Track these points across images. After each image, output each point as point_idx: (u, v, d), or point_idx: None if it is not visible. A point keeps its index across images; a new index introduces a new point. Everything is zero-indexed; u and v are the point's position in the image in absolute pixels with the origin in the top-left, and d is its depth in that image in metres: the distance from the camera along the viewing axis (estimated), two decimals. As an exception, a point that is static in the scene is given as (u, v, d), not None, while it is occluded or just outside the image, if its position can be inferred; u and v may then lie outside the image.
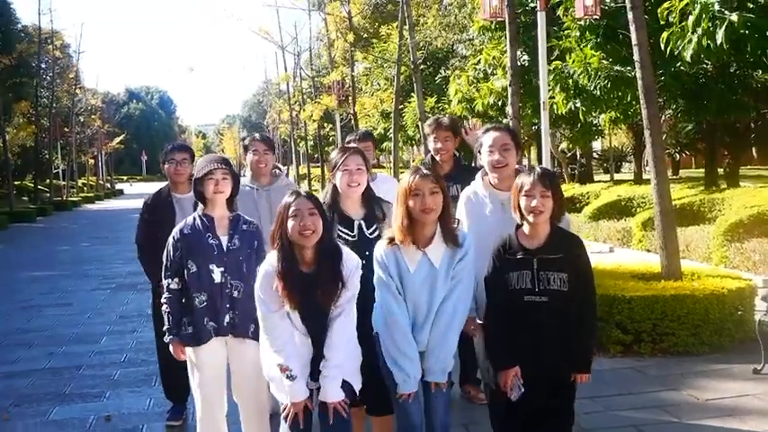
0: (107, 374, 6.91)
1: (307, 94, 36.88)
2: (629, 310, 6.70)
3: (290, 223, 3.54)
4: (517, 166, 4.27)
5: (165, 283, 4.14)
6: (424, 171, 3.63)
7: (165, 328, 4.14)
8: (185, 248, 4.10)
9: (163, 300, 4.15)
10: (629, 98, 13.86)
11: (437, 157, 5.57)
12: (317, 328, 3.61)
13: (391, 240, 3.67)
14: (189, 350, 4.17)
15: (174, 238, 4.15)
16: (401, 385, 3.65)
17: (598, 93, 13.65)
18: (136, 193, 53.42)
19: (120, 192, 58.46)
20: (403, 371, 3.64)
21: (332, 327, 3.58)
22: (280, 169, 5.72)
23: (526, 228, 3.66)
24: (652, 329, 6.68)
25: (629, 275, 7.64)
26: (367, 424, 4.27)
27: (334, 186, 4.14)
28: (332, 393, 3.56)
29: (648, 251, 12.47)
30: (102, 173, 59.78)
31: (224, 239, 4.12)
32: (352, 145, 5.09)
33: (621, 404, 5.46)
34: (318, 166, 40.47)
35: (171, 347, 4.17)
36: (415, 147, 37.75)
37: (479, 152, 4.30)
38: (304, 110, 31.60)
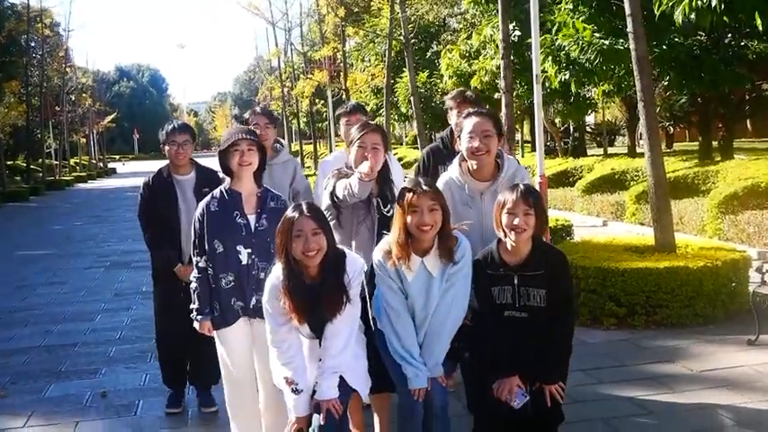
0: (102, 351, 6.92)
1: (298, 70, 36.68)
2: (623, 282, 6.72)
3: (294, 245, 3.46)
4: (501, 151, 4.17)
5: (195, 260, 4.08)
6: (423, 187, 3.59)
7: (193, 307, 4.09)
8: (212, 227, 4.01)
9: (192, 278, 4.10)
10: (622, 71, 13.83)
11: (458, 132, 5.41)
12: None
13: (388, 253, 3.66)
14: (215, 333, 4.11)
15: (200, 214, 4.07)
16: (413, 380, 3.64)
17: (590, 65, 13.61)
18: (128, 171, 53.27)
19: (113, 171, 58.20)
20: (413, 366, 3.64)
21: (329, 326, 3.54)
22: (281, 144, 5.64)
23: (508, 243, 3.64)
24: (645, 302, 6.70)
25: (622, 248, 7.65)
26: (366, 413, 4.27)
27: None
28: (325, 392, 3.51)
29: (642, 224, 12.48)
30: (95, 152, 59.43)
31: (252, 219, 4.03)
32: (356, 124, 5.09)
33: (615, 376, 5.48)
34: (311, 143, 40.36)
35: (198, 325, 4.10)
36: (407, 123, 37.66)
37: (459, 137, 4.18)
38: (296, 86, 31.46)
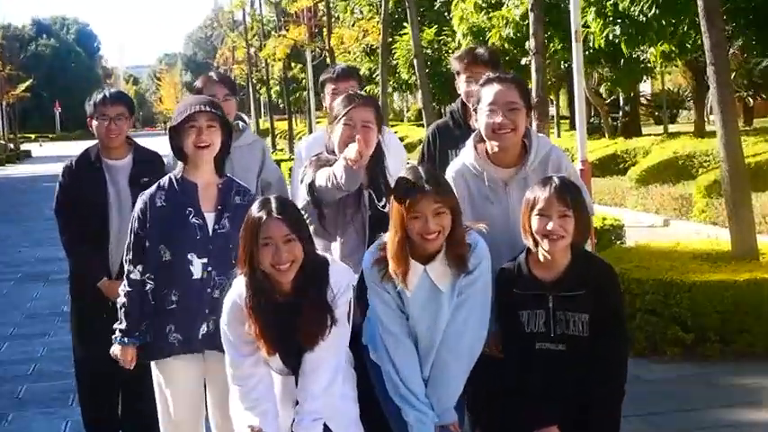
0: (9, 391, 6.87)
1: (269, 25, 36.66)
2: (690, 300, 6.68)
3: (261, 254, 3.45)
4: (529, 129, 4.13)
5: (126, 269, 4.07)
6: (426, 185, 3.56)
7: (118, 327, 4.07)
8: (157, 227, 3.99)
9: (121, 291, 4.09)
10: (685, 26, 13.80)
11: (470, 104, 5.34)
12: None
13: (381, 261, 3.66)
14: (153, 364, 4.10)
15: (140, 210, 4.04)
16: (416, 427, 3.63)
17: (645, 19, 13.58)
18: (48, 155, 53.08)
19: (27, 154, 58.14)
20: (416, 409, 3.63)
21: (308, 357, 3.52)
22: (244, 121, 5.64)
23: (540, 254, 3.64)
24: (720, 326, 6.67)
25: (689, 256, 7.62)
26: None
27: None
28: None
29: (715, 224, 12.45)
30: (4, 130, 59.39)
31: (210, 218, 4.02)
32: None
33: (681, 424, 5.45)
34: (285, 119, 40.37)
35: (118, 351, 4.08)
36: (409, 93, 37.66)
37: (475, 110, 4.14)
38: (265, 46, 31.46)
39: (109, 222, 5.00)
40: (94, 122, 5.14)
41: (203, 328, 3.98)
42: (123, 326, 4.06)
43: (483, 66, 5.10)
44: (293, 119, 40.87)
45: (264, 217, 3.46)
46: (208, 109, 4.01)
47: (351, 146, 3.76)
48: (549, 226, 3.55)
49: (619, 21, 14.18)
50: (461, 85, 5.20)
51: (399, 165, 4.73)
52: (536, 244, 3.63)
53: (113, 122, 5.09)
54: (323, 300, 3.50)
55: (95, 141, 5.22)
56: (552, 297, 3.61)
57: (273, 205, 3.49)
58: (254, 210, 3.51)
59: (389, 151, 4.78)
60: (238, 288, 3.55)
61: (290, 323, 3.49)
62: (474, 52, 5.26)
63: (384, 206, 4.02)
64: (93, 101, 5.17)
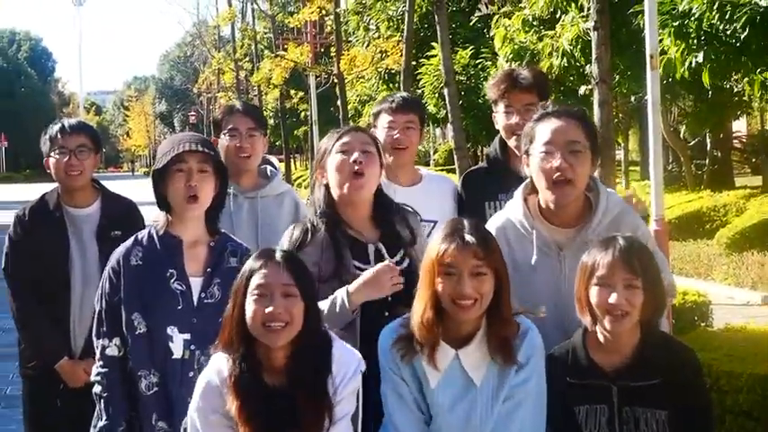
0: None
1: (263, 43, 37.03)
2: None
3: (251, 308, 3.47)
4: (596, 180, 4.17)
5: (98, 344, 4.09)
6: (466, 235, 3.57)
7: (100, 425, 4.06)
8: (132, 291, 4.03)
9: (94, 374, 4.10)
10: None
11: (511, 142, 5.26)
12: None
13: (403, 340, 3.66)
14: None
15: (112, 269, 4.09)
16: None
17: (737, 41, 13.60)
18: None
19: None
20: None
21: None
22: (274, 166, 5.70)
23: (601, 335, 3.65)
24: None
25: (795, 343, 7.52)
26: None
27: (327, 189, 4.16)
28: None
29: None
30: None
31: (196, 284, 4.07)
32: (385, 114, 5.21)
33: None
34: (281, 158, 40.56)
35: None
36: (438, 128, 37.81)
37: (527, 153, 4.14)
38: (258, 68, 31.73)
39: (71, 286, 5.05)
40: (51, 160, 5.19)
41: (185, 421, 3.92)
42: (104, 421, 4.04)
43: (526, 92, 5.14)
44: (291, 160, 41.10)
45: (263, 262, 3.51)
46: (199, 148, 4.04)
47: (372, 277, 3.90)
48: (612, 299, 3.56)
49: (705, 43, 14.17)
50: (499, 117, 5.21)
51: (441, 213, 4.87)
52: (595, 321, 3.64)
53: (74, 156, 5.14)
54: (322, 391, 3.51)
55: (54, 185, 5.27)
56: (617, 389, 3.61)
57: (277, 253, 3.56)
58: (252, 258, 3.58)
59: (444, 198, 4.81)
60: (217, 364, 3.57)
61: (279, 415, 3.49)
62: (513, 75, 5.24)
63: (399, 262, 4.09)
64: (49, 135, 5.23)
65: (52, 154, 5.18)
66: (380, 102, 5.67)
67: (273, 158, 5.82)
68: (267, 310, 3.44)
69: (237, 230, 5.01)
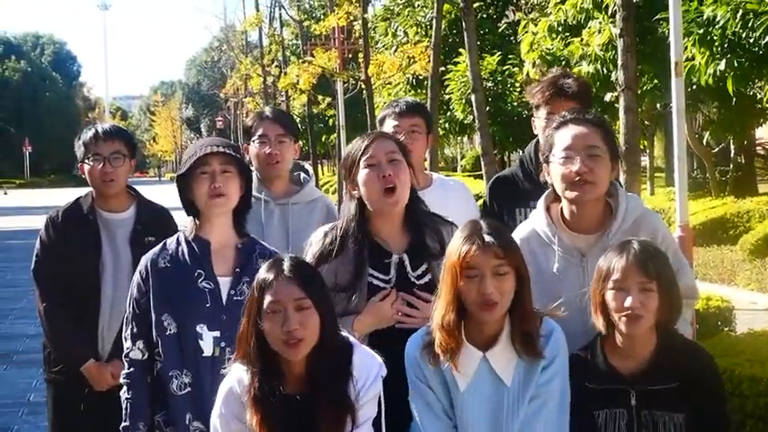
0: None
1: (290, 49, 36.99)
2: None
3: (268, 325, 3.45)
4: (616, 184, 4.17)
5: (126, 349, 4.10)
6: (486, 236, 3.57)
7: (123, 425, 4.08)
8: (161, 293, 4.03)
9: (123, 378, 4.12)
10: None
11: None
12: None
13: (431, 344, 3.66)
14: None
15: (141, 273, 4.10)
16: None
17: (761, 50, 13.59)
18: (13, 205, 53.55)
19: (-12, 204, 58.66)
20: None
21: None
22: (307, 172, 5.69)
23: (618, 339, 3.66)
24: None
25: (818, 348, 7.53)
26: None
27: (360, 201, 4.11)
28: None
29: None
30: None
31: (224, 283, 4.07)
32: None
33: None
34: (309, 164, 40.49)
35: None
36: (464, 136, 37.68)
37: (546, 161, 4.13)
38: (285, 74, 31.65)
39: (101, 290, 5.03)
40: (86, 167, 5.15)
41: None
42: (127, 423, 4.05)
43: (571, 100, 5.04)
44: (319, 165, 41.00)
45: (274, 274, 3.47)
46: (221, 150, 4.05)
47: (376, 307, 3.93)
48: (628, 302, 3.55)
49: (728, 51, 14.16)
50: (540, 122, 5.12)
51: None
52: (608, 325, 3.64)
53: (109, 163, 5.10)
54: (342, 395, 3.48)
55: (78, 190, 5.21)
56: (636, 393, 3.60)
57: (285, 264, 3.50)
58: (262, 271, 3.53)
59: (459, 204, 4.83)
60: (238, 373, 3.55)
61: (301, 423, 3.46)
62: (560, 82, 5.15)
63: (421, 276, 4.06)
64: (83, 140, 5.19)
65: (87, 160, 5.15)
66: (386, 107, 5.69)
67: (308, 165, 5.78)
68: (284, 329, 3.40)
69: (268, 237, 4.99)
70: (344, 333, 3.64)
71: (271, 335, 3.44)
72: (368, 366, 3.54)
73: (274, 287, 3.45)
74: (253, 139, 5.38)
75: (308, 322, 3.43)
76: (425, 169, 5.79)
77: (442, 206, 4.50)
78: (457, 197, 5.43)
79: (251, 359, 3.50)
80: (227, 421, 3.53)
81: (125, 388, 4.07)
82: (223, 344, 3.97)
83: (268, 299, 3.44)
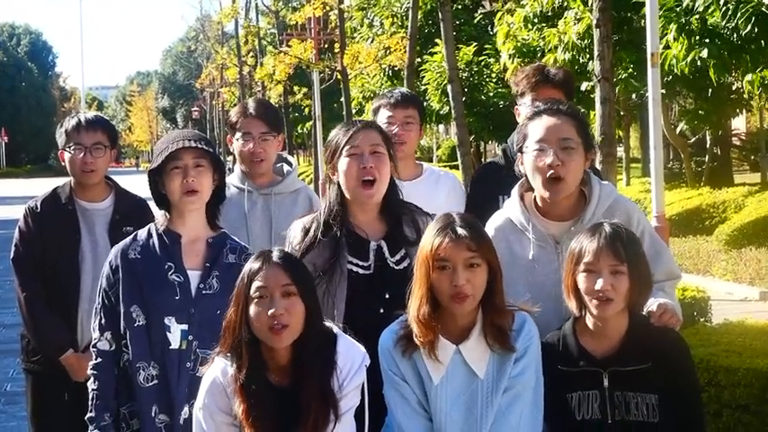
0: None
1: (266, 39, 36.96)
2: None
3: (254, 310, 3.47)
4: (590, 173, 4.18)
5: (94, 339, 4.10)
6: (458, 229, 3.59)
7: (88, 415, 4.07)
8: (129, 285, 4.04)
9: (90, 369, 4.11)
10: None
11: None
12: None
13: (404, 339, 3.67)
14: None
15: (111, 264, 4.11)
16: None
17: (739, 39, 13.60)
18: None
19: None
20: None
21: None
22: (289, 163, 5.70)
23: (589, 321, 3.67)
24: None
25: (795, 341, 7.54)
26: None
27: (339, 189, 4.14)
28: None
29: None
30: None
31: (194, 276, 4.08)
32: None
33: None
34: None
35: None
36: (441, 125, 37.75)
37: (521, 151, 4.17)
38: (261, 65, 31.66)
39: (80, 279, 5.04)
40: (67, 155, 5.17)
41: (184, 412, 3.98)
42: (92, 412, 4.05)
43: (555, 88, 5.13)
44: (294, 155, 40.99)
45: (261, 262, 3.50)
46: (194, 144, 4.05)
47: None
48: (598, 285, 3.57)
49: (707, 41, 14.15)
50: (524, 109, 5.12)
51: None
52: (580, 307, 3.66)
53: (90, 153, 5.11)
54: (325, 387, 3.50)
55: (55, 180, 5.21)
56: (608, 374, 3.62)
57: (274, 254, 3.54)
58: (251, 261, 3.57)
59: (450, 194, 4.82)
60: (221, 364, 3.56)
61: (285, 414, 3.48)
62: (545, 70, 5.25)
63: (399, 262, 4.09)
64: (66, 128, 5.20)
65: (67, 149, 5.16)
66: (379, 97, 5.73)
67: (289, 157, 5.81)
68: (270, 313, 3.43)
69: (251, 227, 5.13)
70: (328, 323, 3.67)
71: (257, 321, 3.46)
72: (352, 356, 3.58)
73: (262, 273, 3.49)
74: (236, 136, 5.39)
75: (293, 309, 3.47)
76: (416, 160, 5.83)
77: (431, 197, 4.62)
78: (447, 189, 5.47)
79: (238, 349, 3.51)
80: (211, 413, 3.54)
81: (91, 379, 4.07)
82: (191, 337, 4.01)
83: (256, 284, 3.47)
